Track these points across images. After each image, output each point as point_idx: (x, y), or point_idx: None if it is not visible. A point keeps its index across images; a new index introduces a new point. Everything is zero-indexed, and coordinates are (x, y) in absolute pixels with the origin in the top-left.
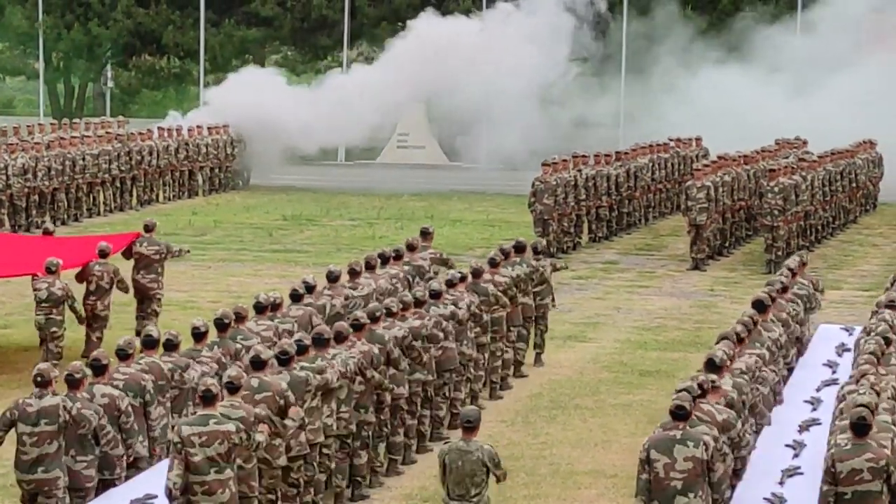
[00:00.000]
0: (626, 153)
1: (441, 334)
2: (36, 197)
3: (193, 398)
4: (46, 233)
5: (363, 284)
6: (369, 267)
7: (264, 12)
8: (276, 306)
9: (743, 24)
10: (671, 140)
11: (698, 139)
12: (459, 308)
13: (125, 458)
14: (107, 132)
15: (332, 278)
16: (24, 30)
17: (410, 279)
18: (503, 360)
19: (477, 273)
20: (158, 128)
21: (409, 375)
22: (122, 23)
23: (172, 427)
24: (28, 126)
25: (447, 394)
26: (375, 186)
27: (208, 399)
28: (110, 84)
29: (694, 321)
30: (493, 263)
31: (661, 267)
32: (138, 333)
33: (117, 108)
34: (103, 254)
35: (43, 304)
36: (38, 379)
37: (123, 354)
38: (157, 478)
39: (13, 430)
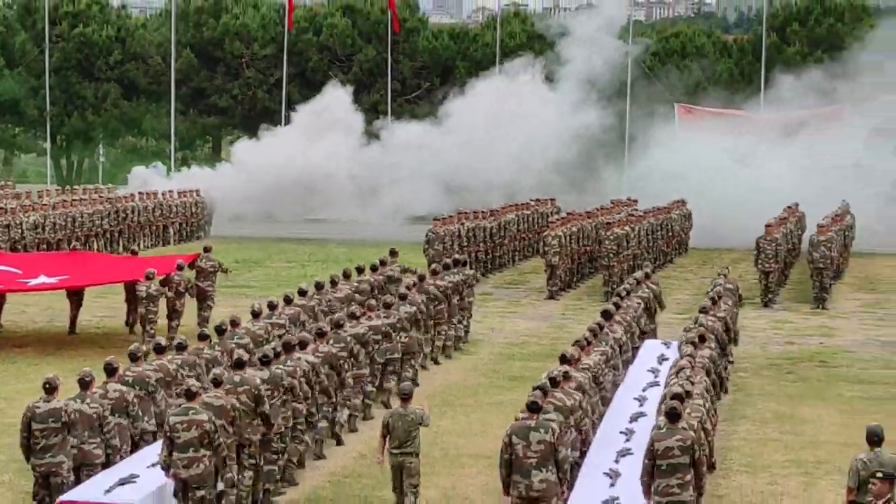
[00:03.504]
0: (497, 210)
1: (394, 330)
2: (45, 246)
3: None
4: (133, 253)
5: (345, 289)
6: (346, 276)
7: (221, 103)
8: (273, 307)
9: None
10: (532, 200)
11: (552, 199)
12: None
13: (129, 439)
14: (99, 196)
15: (319, 286)
16: (35, 118)
17: (382, 285)
18: (443, 342)
19: (422, 278)
20: (140, 192)
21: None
22: (111, 112)
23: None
24: (38, 191)
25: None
26: (307, 236)
27: (190, 395)
28: (102, 159)
29: (550, 338)
30: (434, 273)
31: (525, 297)
32: (201, 322)
33: (107, 177)
34: (180, 267)
35: (143, 301)
36: (47, 386)
37: (134, 357)
38: (140, 462)
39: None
